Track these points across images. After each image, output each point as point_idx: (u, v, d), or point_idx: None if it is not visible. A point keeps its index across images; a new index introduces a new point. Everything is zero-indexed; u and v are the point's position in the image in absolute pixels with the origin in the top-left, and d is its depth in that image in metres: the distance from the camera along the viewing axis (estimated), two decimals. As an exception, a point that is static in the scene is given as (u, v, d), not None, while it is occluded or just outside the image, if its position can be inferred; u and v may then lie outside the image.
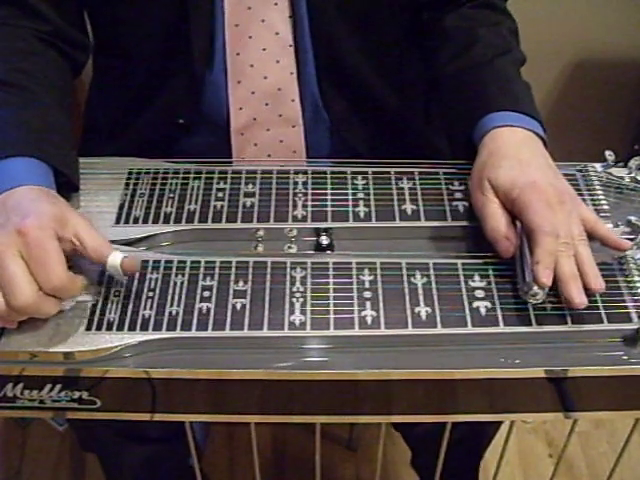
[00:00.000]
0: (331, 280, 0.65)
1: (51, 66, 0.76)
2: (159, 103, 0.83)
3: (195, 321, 0.62)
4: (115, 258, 0.60)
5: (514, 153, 0.69)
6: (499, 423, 1.06)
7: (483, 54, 0.79)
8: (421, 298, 0.64)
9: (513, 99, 0.74)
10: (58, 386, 0.61)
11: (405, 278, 0.65)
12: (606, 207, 0.72)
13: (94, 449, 1.18)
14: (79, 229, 0.61)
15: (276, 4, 0.78)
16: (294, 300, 0.63)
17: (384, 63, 0.84)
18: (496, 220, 0.67)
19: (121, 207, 0.71)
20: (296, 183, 0.74)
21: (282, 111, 0.84)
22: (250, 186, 0.74)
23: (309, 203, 0.72)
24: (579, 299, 0.62)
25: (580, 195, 0.73)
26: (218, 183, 0.74)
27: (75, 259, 0.64)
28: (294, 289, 0.64)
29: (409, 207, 0.72)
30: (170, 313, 0.62)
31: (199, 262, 0.66)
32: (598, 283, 0.63)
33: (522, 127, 0.72)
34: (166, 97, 0.83)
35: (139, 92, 0.84)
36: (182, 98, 0.82)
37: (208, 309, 0.63)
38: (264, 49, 0.80)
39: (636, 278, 0.66)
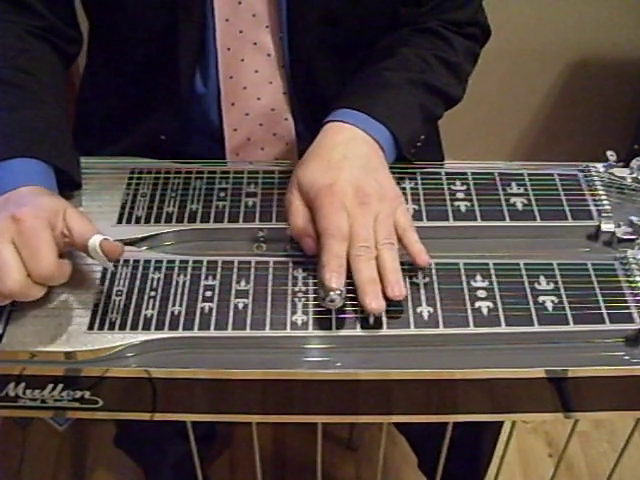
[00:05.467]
0: None
1: (46, 62, 0.76)
2: (147, 123, 0.83)
3: (197, 321, 0.62)
4: (95, 240, 0.59)
5: (327, 153, 0.68)
6: (498, 429, 1.06)
7: (384, 67, 0.77)
8: (423, 298, 0.64)
9: (368, 102, 0.72)
10: (60, 386, 0.61)
11: (407, 278, 0.65)
12: (608, 207, 0.72)
13: (127, 446, 1.19)
14: (69, 220, 0.61)
15: (267, 26, 0.78)
16: (296, 300, 0.63)
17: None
18: (294, 217, 0.66)
19: (123, 207, 0.71)
20: (298, 183, 0.74)
21: (276, 130, 0.84)
22: (252, 186, 0.74)
23: (311, 203, 0.72)
24: (373, 305, 0.61)
25: (582, 195, 0.73)
26: (220, 183, 0.74)
27: (75, 259, 0.64)
28: (296, 289, 0.64)
29: (411, 207, 0.72)
30: (172, 313, 0.62)
31: (201, 262, 0.66)
32: (396, 290, 0.62)
33: (356, 126, 0.70)
34: (154, 116, 0.83)
35: (129, 108, 0.84)
36: (169, 118, 0.82)
37: (210, 309, 0.63)
38: (256, 71, 0.80)
39: (638, 278, 0.66)
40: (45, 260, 0.58)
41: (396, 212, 0.67)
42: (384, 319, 0.62)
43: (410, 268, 0.66)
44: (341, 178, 0.66)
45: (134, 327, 0.61)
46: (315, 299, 0.63)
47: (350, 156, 0.68)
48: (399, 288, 0.62)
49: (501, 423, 1.05)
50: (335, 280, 0.61)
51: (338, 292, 0.61)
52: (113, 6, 0.77)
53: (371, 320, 0.62)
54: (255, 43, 0.79)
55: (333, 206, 0.64)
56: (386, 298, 0.62)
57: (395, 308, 0.63)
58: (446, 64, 0.80)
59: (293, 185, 0.68)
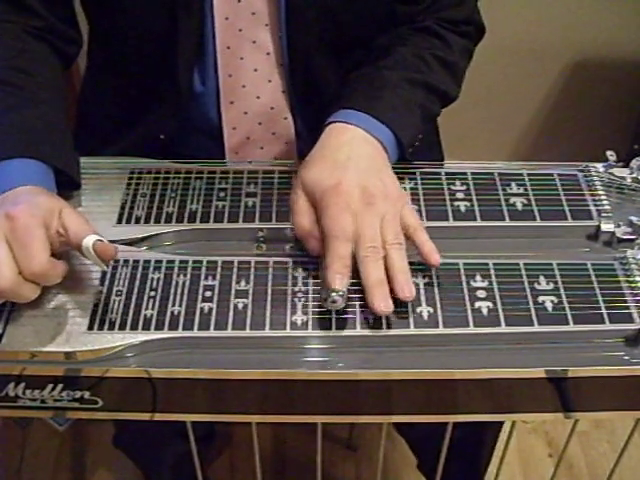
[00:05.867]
0: None
1: (45, 62, 0.76)
2: (147, 122, 0.83)
3: (197, 321, 0.62)
4: (89, 241, 0.59)
5: (331, 153, 0.68)
6: (498, 429, 1.07)
7: (383, 66, 0.77)
8: (423, 298, 0.64)
9: (369, 102, 0.72)
10: (60, 386, 0.61)
11: None
12: (608, 207, 0.72)
13: (126, 446, 1.19)
14: (65, 219, 0.61)
15: (267, 25, 0.78)
16: (296, 300, 0.63)
17: None
18: (299, 217, 0.66)
19: (123, 207, 0.71)
20: (298, 183, 0.74)
21: (275, 129, 0.84)
22: (252, 186, 0.74)
23: (311, 203, 0.72)
24: (381, 306, 0.61)
25: (581, 195, 0.73)
26: (220, 183, 0.74)
27: (75, 259, 0.64)
28: (296, 289, 0.64)
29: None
30: (172, 313, 0.62)
31: (201, 262, 0.66)
32: (406, 291, 0.62)
33: (359, 127, 0.70)
34: (154, 115, 0.83)
35: (129, 108, 0.84)
36: (168, 117, 0.82)
37: (210, 309, 0.63)
38: (255, 69, 0.80)
39: (637, 278, 0.66)
40: (37, 257, 0.57)
41: (403, 212, 0.66)
42: (384, 319, 0.62)
43: (411, 268, 0.65)
44: (347, 179, 0.66)
45: (134, 327, 0.61)
46: (315, 299, 0.63)
47: (355, 157, 0.68)
48: (409, 289, 0.62)
49: (501, 424, 1.05)
50: (339, 281, 0.61)
51: (340, 293, 0.61)
52: (112, 6, 0.77)
53: (371, 320, 0.62)
54: (254, 41, 0.79)
55: (338, 207, 0.64)
56: (393, 298, 0.62)
57: (395, 308, 0.63)
58: (443, 63, 0.80)
59: (297, 186, 0.68)
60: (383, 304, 0.61)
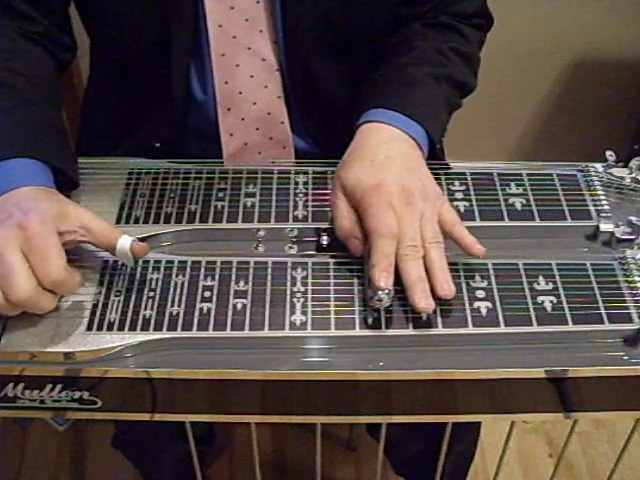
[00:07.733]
0: (332, 280, 0.65)
1: (38, 63, 0.76)
2: (144, 129, 0.83)
3: (196, 321, 0.62)
4: (125, 242, 0.61)
5: (369, 153, 0.68)
6: (477, 435, 1.07)
7: (405, 62, 0.77)
8: (422, 298, 0.64)
9: (400, 100, 0.72)
10: (59, 386, 0.61)
11: None
12: (607, 207, 0.72)
13: (125, 447, 1.19)
14: (83, 218, 0.61)
15: (261, 31, 0.78)
16: (295, 300, 0.64)
17: (358, 88, 0.82)
18: (340, 218, 0.66)
19: (122, 207, 0.71)
20: (297, 183, 0.74)
21: (272, 134, 0.84)
22: (251, 186, 0.74)
23: (310, 203, 0.72)
24: (422, 304, 0.61)
25: (580, 195, 0.73)
26: (219, 183, 0.74)
27: (76, 258, 0.64)
28: (295, 289, 0.64)
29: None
30: (171, 313, 0.62)
31: (200, 262, 0.66)
32: (446, 289, 0.62)
33: (394, 126, 0.70)
34: (151, 124, 0.83)
35: (129, 115, 0.85)
36: (165, 126, 0.82)
37: (209, 309, 0.63)
38: (251, 76, 0.80)
39: (636, 278, 0.66)
40: (54, 264, 0.58)
41: (442, 210, 0.67)
42: (383, 319, 0.62)
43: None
44: (387, 178, 0.66)
45: (133, 327, 0.61)
46: (314, 299, 0.63)
47: (393, 155, 0.68)
48: (449, 286, 0.63)
49: (477, 436, 1.06)
50: (384, 280, 0.61)
51: (386, 291, 0.61)
52: (107, 17, 0.77)
53: (370, 320, 0.62)
54: (249, 48, 0.79)
55: (381, 205, 0.64)
56: (434, 296, 0.62)
57: (394, 308, 0.63)
58: (461, 55, 0.80)
59: (336, 187, 0.68)
60: (424, 302, 0.61)
